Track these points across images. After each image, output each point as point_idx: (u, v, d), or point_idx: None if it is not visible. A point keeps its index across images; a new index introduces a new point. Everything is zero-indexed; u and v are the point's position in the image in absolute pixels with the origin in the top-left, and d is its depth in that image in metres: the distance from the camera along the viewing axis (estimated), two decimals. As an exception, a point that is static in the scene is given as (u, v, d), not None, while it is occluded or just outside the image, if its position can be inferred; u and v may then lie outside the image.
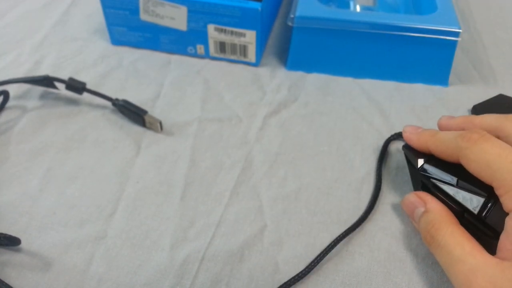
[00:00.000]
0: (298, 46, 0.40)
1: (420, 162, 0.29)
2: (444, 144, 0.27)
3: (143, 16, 0.41)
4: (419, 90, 0.40)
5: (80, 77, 0.39)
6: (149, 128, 0.35)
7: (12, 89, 0.37)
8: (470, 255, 0.23)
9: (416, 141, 0.29)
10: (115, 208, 0.30)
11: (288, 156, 0.33)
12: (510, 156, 0.23)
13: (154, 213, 0.29)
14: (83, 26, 0.47)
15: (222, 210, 0.30)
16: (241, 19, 0.38)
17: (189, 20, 0.40)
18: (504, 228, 0.23)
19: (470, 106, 0.38)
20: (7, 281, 0.26)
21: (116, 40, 0.44)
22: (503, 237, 0.23)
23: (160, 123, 0.34)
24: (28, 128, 0.35)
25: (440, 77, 0.40)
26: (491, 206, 0.25)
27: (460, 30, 0.37)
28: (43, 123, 0.36)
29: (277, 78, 0.41)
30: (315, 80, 0.41)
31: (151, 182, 0.31)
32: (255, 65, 0.42)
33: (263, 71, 0.41)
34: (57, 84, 0.37)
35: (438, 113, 0.37)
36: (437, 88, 0.40)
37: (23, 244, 0.27)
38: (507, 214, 0.23)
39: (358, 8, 0.45)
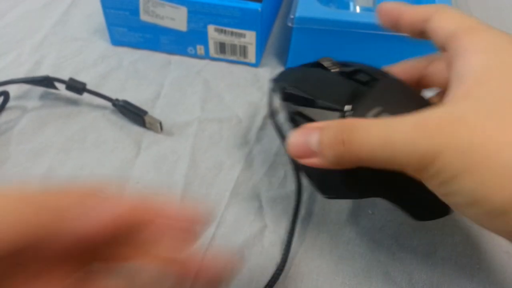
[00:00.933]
0: (298, 46, 0.40)
1: (280, 90, 0.27)
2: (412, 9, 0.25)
3: (143, 17, 0.41)
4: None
5: (80, 77, 0.39)
6: (149, 129, 0.35)
7: (12, 89, 0.37)
8: (403, 118, 0.19)
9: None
10: (115, 208, 0.30)
11: (288, 156, 0.33)
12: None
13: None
14: (83, 26, 0.47)
15: (222, 210, 0.30)
16: (241, 19, 0.38)
17: (189, 21, 0.40)
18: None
19: (470, 107, 0.38)
20: (7, 281, 0.26)
21: (116, 41, 0.44)
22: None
23: (160, 123, 0.34)
24: (28, 128, 0.35)
25: (439, 77, 0.40)
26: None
27: (460, 31, 0.37)
28: (43, 123, 0.36)
29: (277, 79, 0.41)
30: (315, 80, 0.41)
31: (151, 182, 0.31)
32: (255, 65, 0.42)
33: (263, 72, 0.41)
34: (57, 84, 0.37)
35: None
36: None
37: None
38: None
39: (357, 9, 0.45)
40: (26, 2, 0.50)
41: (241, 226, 0.29)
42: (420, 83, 0.28)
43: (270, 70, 0.42)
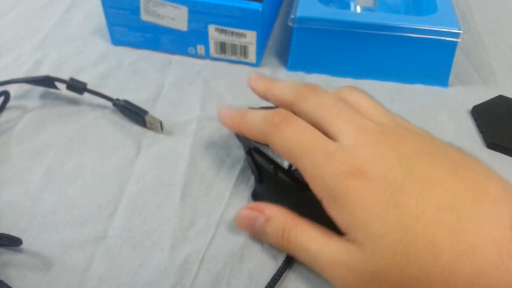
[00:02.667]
0: (298, 46, 0.40)
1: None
2: (253, 128, 0.27)
3: (144, 16, 0.41)
4: (419, 91, 0.40)
5: (81, 77, 0.39)
6: (150, 128, 0.35)
7: (12, 89, 0.37)
8: (324, 246, 0.23)
9: (230, 124, 0.29)
10: (115, 208, 0.30)
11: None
12: (308, 143, 0.24)
13: (154, 213, 0.29)
14: (84, 26, 0.47)
15: (222, 210, 0.30)
16: (241, 19, 0.38)
17: (189, 21, 0.40)
18: None
19: (470, 107, 0.38)
20: (7, 281, 0.26)
21: (117, 40, 0.44)
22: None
23: (161, 123, 0.34)
24: (28, 128, 0.35)
25: (440, 78, 0.40)
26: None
27: (461, 31, 0.37)
28: (44, 123, 0.36)
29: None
30: (315, 80, 0.41)
31: (151, 182, 0.31)
32: (256, 65, 0.42)
33: (263, 72, 0.41)
34: (58, 84, 0.37)
35: (438, 114, 0.38)
36: (437, 89, 0.40)
37: (24, 244, 0.27)
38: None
39: (358, 9, 0.45)
40: (26, 2, 0.50)
41: (241, 226, 0.29)
42: None
43: (270, 70, 0.42)
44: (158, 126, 0.34)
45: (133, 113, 0.35)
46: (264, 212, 0.26)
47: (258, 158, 0.28)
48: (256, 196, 0.30)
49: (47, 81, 0.36)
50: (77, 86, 0.36)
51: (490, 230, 0.19)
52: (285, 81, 0.28)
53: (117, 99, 0.36)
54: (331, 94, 0.27)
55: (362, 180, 0.22)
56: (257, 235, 0.27)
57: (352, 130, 0.24)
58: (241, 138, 0.30)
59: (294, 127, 0.25)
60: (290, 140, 0.24)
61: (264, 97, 0.29)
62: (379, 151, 0.22)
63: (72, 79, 0.36)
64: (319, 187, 0.23)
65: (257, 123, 0.27)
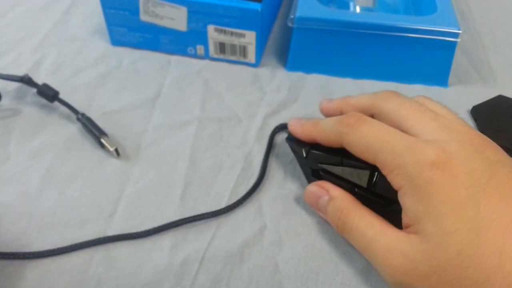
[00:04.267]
0: (298, 46, 0.40)
1: (305, 150, 0.29)
2: (326, 132, 0.28)
3: (143, 17, 0.41)
4: (418, 91, 0.40)
5: (80, 77, 0.40)
6: (107, 151, 0.33)
7: (13, 89, 0.37)
8: (381, 234, 0.23)
9: (301, 133, 0.30)
10: (115, 208, 0.30)
11: (288, 157, 0.33)
12: (387, 136, 0.24)
13: (154, 213, 0.29)
14: (83, 26, 0.47)
15: (222, 211, 0.30)
16: (241, 19, 0.38)
17: (189, 21, 0.40)
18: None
19: (470, 107, 0.38)
20: (7, 281, 0.26)
21: (116, 41, 0.44)
22: (403, 215, 0.23)
23: (116, 149, 0.33)
24: (28, 128, 0.35)
25: (439, 78, 0.40)
26: (376, 177, 0.26)
27: (460, 31, 0.37)
28: (44, 123, 0.36)
29: (277, 79, 0.41)
30: (315, 80, 0.41)
31: (151, 182, 0.31)
32: (255, 65, 0.42)
33: (263, 72, 0.41)
34: (58, 83, 0.37)
35: (437, 114, 0.38)
36: (436, 89, 0.40)
37: (24, 245, 0.27)
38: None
39: (358, 9, 0.45)
40: (26, 2, 0.50)
41: (241, 226, 0.29)
42: None
43: (270, 70, 0.42)
44: (113, 152, 0.33)
45: (91, 133, 0.34)
46: (329, 191, 0.27)
47: (329, 178, 0.28)
48: None
49: (24, 81, 0.36)
50: (47, 93, 0.36)
51: None
52: (326, 119, 0.29)
53: (83, 114, 0.35)
54: (411, 98, 0.27)
55: (447, 174, 0.22)
56: (320, 212, 0.28)
57: (438, 128, 0.24)
58: (306, 160, 0.29)
59: (371, 124, 0.25)
60: (368, 136, 0.25)
61: (338, 112, 0.30)
62: (466, 150, 0.22)
63: (44, 85, 0.35)
64: (400, 175, 0.23)
65: (330, 127, 0.27)
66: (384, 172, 0.24)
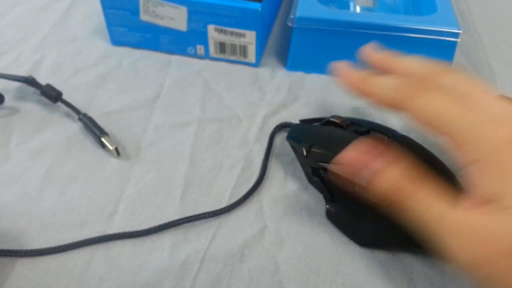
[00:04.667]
0: (298, 46, 0.40)
1: (305, 149, 0.29)
2: (384, 89, 0.25)
3: (143, 17, 0.41)
4: (418, 91, 0.40)
5: (80, 77, 0.40)
6: (107, 151, 0.33)
7: (13, 89, 0.37)
8: (452, 210, 0.21)
9: (353, 84, 0.27)
10: (115, 208, 0.30)
11: (288, 156, 0.33)
12: (459, 108, 0.23)
13: (154, 214, 0.29)
14: (83, 26, 0.47)
15: (222, 211, 0.30)
16: (241, 19, 0.38)
17: (189, 21, 0.40)
18: (469, 181, 0.22)
19: (470, 107, 0.38)
20: (7, 281, 0.26)
21: (116, 41, 0.44)
22: (475, 191, 0.22)
23: (116, 148, 0.33)
24: (28, 128, 0.35)
25: (439, 77, 0.40)
26: None
27: (460, 31, 0.37)
28: (44, 123, 0.36)
29: (277, 79, 0.41)
30: (315, 80, 0.41)
31: (151, 182, 0.31)
32: (255, 65, 0.42)
33: (263, 72, 0.41)
34: (58, 83, 0.37)
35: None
36: (436, 88, 0.40)
37: (24, 245, 0.27)
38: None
39: (358, 9, 0.45)
40: (26, 2, 0.50)
41: (241, 226, 0.29)
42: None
43: (270, 70, 0.42)
44: (113, 151, 0.33)
45: (92, 132, 0.34)
46: (378, 159, 0.23)
47: (333, 178, 0.27)
48: (331, 215, 0.29)
49: (28, 82, 0.36)
50: (50, 94, 0.36)
51: None
52: (382, 78, 0.26)
53: (84, 114, 0.35)
54: None
55: None
56: (361, 182, 0.24)
57: (505, 105, 0.23)
58: (307, 159, 0.29)
59: (442, 92, 0.23)
60: (440, 103, 0.23)
61: (385, 68, 0.27)
62: None
63: (48, 86, 0.36)
64: (475, 148, 0.21)
65: (391, 86, 0.25)
66: (454, 143, 0.22)
